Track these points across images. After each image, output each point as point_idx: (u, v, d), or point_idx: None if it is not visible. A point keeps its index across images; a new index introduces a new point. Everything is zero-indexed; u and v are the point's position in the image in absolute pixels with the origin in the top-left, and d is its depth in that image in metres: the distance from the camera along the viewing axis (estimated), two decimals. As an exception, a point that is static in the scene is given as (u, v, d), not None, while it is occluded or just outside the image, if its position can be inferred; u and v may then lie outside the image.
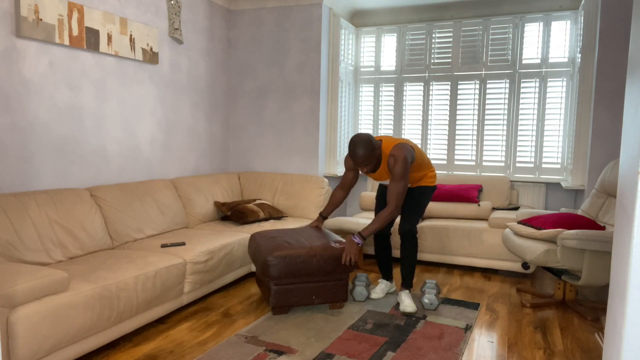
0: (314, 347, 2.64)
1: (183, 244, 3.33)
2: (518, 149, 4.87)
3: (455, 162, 5.13)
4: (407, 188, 3.05)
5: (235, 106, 5.17)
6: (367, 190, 5.44)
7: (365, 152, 2.94)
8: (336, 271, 3.11)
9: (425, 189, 3.30)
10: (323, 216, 3.50)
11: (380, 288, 3.48)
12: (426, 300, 3.20)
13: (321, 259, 3.05)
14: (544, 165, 4.79)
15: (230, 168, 5.24)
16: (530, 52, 4.76)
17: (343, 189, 3.38)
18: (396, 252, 4.40)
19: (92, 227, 3.14)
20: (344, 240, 3.22)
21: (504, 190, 4.66)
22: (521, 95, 4.82)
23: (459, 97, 5.06)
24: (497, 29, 4.86)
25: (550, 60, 4.69)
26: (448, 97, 5.10)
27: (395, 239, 4.37)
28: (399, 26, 5.25)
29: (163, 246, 3.28)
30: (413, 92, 5.25)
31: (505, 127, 4.90)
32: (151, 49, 3.93)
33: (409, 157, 3.03)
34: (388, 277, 3.55)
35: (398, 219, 4.36)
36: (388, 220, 3.03)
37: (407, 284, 3.30)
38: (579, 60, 4.17)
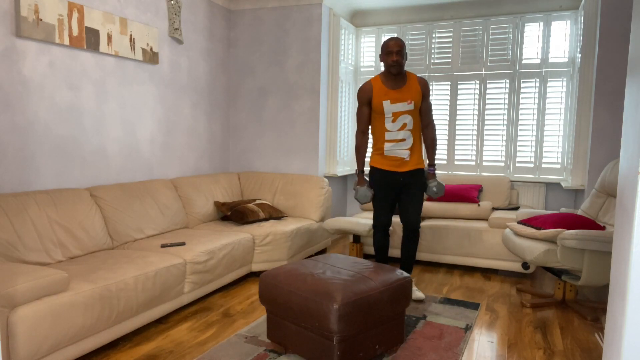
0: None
1: (183, 244, 3.33)
2: (518, 149, 4.87)
3: (455, 162, 5.13)
4: None
5: (235, 106, 5.17)
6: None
7: (401, 42, 3.15)
8: (399, 305, 2.56)
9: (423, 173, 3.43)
10: (362, 171, 3.39)
11: None
12: (434, 189, 3.31)
13: (393, 294, 2.50)
14: (544, 165, 4.78)
15: (230, 168, 5.24)
16: (530, 52, 4.76)
17: (365, 132, 3.33)
18: (393, 252, 4.40)
19: (92, 227, 3.14)
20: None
21: (504, 190, 4.66)
22: (521, 95, 4.82)
23: (459, 97, 5.06)
24: (497, 29, 4.86)
25: (550, 60, 4.69)
26: (448, 97, 5.10)
27: (393, 240, 4.37)
28: (399, 26, 5.25)
29: (163, 246, 3.28)
30: (413, 92, 5.24)
31: (505, 127, 4.90)
32: (151, 49, 3.93)
33: None
34: None
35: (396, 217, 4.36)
36: (435, 135, 3.39)
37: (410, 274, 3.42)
38: (579, 60, 4.17)
